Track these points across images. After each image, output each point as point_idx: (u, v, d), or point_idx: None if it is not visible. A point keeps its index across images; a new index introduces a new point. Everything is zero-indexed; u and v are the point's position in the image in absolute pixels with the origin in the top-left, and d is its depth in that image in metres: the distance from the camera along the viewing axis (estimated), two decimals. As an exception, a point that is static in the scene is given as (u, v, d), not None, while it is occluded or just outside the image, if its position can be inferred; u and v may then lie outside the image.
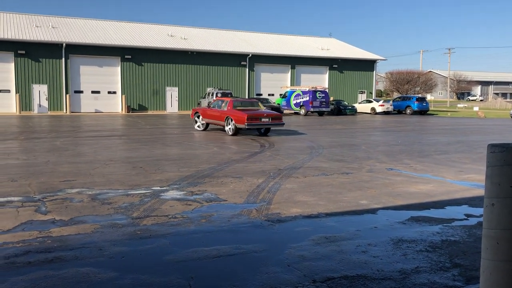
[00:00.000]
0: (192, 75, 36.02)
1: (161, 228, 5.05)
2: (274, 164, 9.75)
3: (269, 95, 38.96)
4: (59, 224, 5.13)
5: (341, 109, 34.77)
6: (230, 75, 37.53)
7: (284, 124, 16.91)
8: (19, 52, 30.22)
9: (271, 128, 17.33)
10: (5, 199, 6.27)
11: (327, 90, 34.03)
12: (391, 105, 36.75)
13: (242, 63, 37.64)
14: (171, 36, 38.15)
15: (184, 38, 38.02)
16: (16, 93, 30.18)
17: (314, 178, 8.25)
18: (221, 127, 17.14)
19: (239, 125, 15.86)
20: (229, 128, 16.29)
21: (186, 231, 4.97)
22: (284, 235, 4.94)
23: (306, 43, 45.00)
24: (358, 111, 36.56)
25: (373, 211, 6.00)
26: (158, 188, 7.14)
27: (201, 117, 18.20)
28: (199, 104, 33.49)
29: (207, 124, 18.13)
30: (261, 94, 38.74)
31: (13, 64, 30.35)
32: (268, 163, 9.89)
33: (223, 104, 16.96)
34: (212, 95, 30.67)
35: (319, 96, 32.51)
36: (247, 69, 37.95)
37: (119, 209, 5.84)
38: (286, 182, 7.81)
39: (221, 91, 30.70)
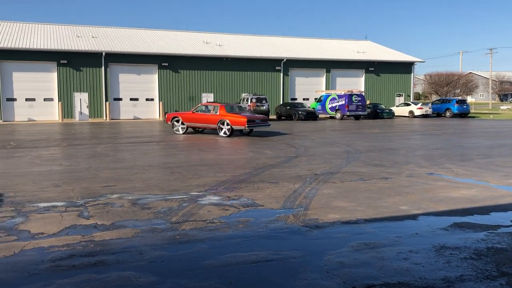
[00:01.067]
0: (227, 81, 36.35)
1: (200, 233, 5.10)
2: (310, 169, 9.69)
3: (304, 99, 38.81)
4: (101, 229, 5.26)
5: (378, 113, 34.21)
6: (265, 80, 37.64)
7: (270, 124, 19.21)
8: (61, 61, 31.36)
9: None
10: (50, 204, 6.50)
11: (363, 94, 33.57)
12: (430, 108, 35.80)
13: (277, 68, 37.67)
14: (207, 43, 38.65)
15: (219, 45, 38.45)
16: (58, 101, 31.32)
17: (351, 183, 8.14)
18: (208, 129, 19.42)
19: (237, 127, 17.67)
20: (225, 130, 17.94)
21: (223, 236, 5.00)
22: (323, 241, 4.88)
23: (341, 46, 44.60)
24: (395, 114, 35.86)
25: (413, 217, 5.85)
26: (196, 193, 7.23)
27: (181, 121, 19.39)
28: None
29: (187, 128, 19.48)
30: (295, 99, 38.65)
31: (56, 73, 31.52)
32: (304, 168, 9.83)
33: (213, 109, 18.53)
34: (247, 100, 30.83)
35: (355, 100, 32.11)
36: (281, 74, 37.96)
37: (158, 214, 5.94)
38: (323, 187, 7.73)
39: (255, 96, 30.81)
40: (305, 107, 33.38)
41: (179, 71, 34.75)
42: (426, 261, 4.21)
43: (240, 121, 17.54)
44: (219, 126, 18.11)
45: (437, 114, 36.85)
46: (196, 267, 4.09)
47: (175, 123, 19.47)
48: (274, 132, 20.38)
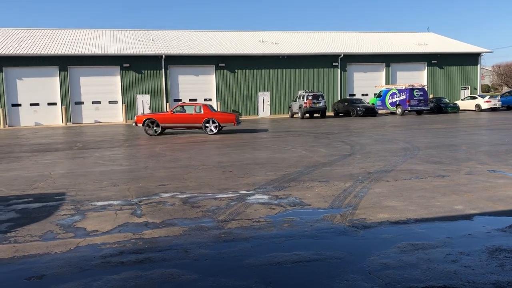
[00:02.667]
0: (283, 79, 36.33)
1: (244, 231, 5.16)
2: (363, 167, 9.48)
3: (362, 95, 37.98)
4: (151, 227, 5.46)
5: (441, 107, 32.75)
6: (322, 76, 37.22)
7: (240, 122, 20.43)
8: (124, 65, 32.82)
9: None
10: (106, 202, 6.84)
11: (425, 88, 32.27)
12: (499, 101, 33.70)
13: (334, 63, 37.13)
14: (262, 42, 38.85)
15: (275, 43, 38.51)
16: (122, 104, 32.81)
17: (406, 181, 7.87)
18: (189, 129, 20.54)
19: (225, 124, 19.60)
20: (212, 128, 19.44)
21: (268, 235, 5.02)
22: (368, 241, 4.77)
23: (401, 39, 43.14)
24: (460, 108, 34.18)
25: (468, 217, 5.56)
26: (245, 192, 7.31)
27: (156, 123, 19.54)
28: (290, 107, 33.65)
29: (163, 129, 19.80)
30: (354, 95, 37.91)
31: (119, 76, 33.04)
32: (357, 166, 9.63)
33: (195, 109, 19.61)
34: (303, 97, 30.65)
35: (417, 94, 30.96)
36: (339, 70, 37.36)
37: (206, 212, 6.07)
38: (375, 186, 7.54)
39: (312, 93, 30.55)
40: (363, 102, 32.64)
41: (236, 70, 35.21)
42: (477, 264, 3.99)
43: (229, 119, 19.60)
44: (205, 124, 19.47)
45: (507, 107, 34.68)
46: (238, 265, 4.15)
47: (150, 124, 19.58)
48: (330, 130, 20.13)
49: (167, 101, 33.63)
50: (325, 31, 45.08)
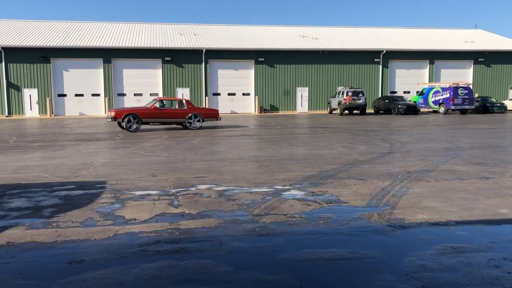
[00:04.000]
0: (323, 74, 35.96)
1: (279, 226, 5.14)
2: (403, 166, 9.25)
3: (404, 92, 37.13)
4: (188, 218, 5.53)
5: (487, 107, 31.56)
6: (362, 73, 36.60)
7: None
8: (165, 59, 33.39)
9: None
10: (145, 192, 6.98)
11: (470, 86, 31.17)
12: (550, 101, 32.17)
13: (375, 60, 36.42)
14: (303, 36, 38.57)
15: (315, 38, 38.15)
16: (163, 96, 33.40)
17: (447, 182, 7.63)
18: (170, 125, 19.95)
19: (209, 119, 19.90)
20: (196, 123, 19.38)
21: (302, 231, 4.98)
22: (406, 242, 4.65)
23: (447, 36, 41.79)
24: (508, 108, 32.84)
25: (514, 221, 5.32)
26: (280, 187, 7.28)
27: (138, 118, 18.22)
28: (328, 103, 33.29)
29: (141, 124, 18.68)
30: (395, 92, 37.08)
31: (160, 70, 33.66)
32: (397, 165, 9.42)
33: (178, 104, 19.34)
34: (343, 94, 30.24)
35: (461, 93, 29.94)
36: (380, 66, 36.62)
37: (242, 205, 6.09)
38: (415, 185, 7.34)
39: (352, 90, 30.11)
40: (405, 100, 31.90)
41: (275, 65, 35.15)
42: (521, 271, 3.81)
43: (212, 114, 20.02)
44: (188, 120, 19.30)
45: (560, 108, 33.04)
46: (271, 260, 4.13)
47: (131, 119, 18.08)
48: (369, 127, 19.78)
49: (206, 95, 33.99)
50: (368, 26, 44.30)
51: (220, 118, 20.48)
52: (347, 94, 29.84)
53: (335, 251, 4.34)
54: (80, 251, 4.37)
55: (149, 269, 3.93)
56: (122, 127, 19.11)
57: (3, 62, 31.57)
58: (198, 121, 19.47)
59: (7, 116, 31.67)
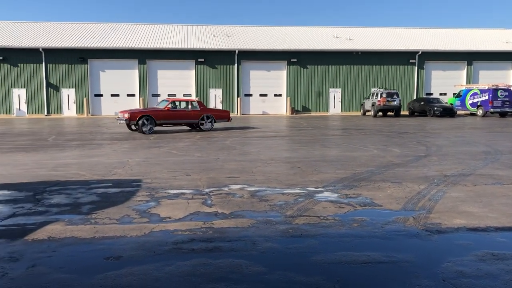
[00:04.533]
0: (356, 75, 35.54)
1: (312, 228, 5.12)
2: (439, 170, 9.04)
3: (440, 94, 36.24)
4: (221, 217, 5.59)
5: (528, 110, 30.38)
6: (397, 74, 35.96)
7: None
8: (199, 60, 33.77)
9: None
10: (179, 191, 7.08)
11: (511, 88, 30.12)
12: None
13: (411, 61, 35.70)
14: (336, 37, 38.24)
15: (349, 39, 37.76)
16: (196, 97, 33.80)
17: (486, 187, 7.41)
18: (180, 126, 19.13)
19: (221, 120, 19.46)
20: (208, 125, 18.89)
21: (336, 233, 4.94)
22: (443, 247, 4.54)
23: (485, 36, 40.54)
24: (550, 111, 31.48)
25: (558, 229, 5.12)
26: (313, 188, 7.25)
27: (152, 119, 17.54)
28: (362, 105, 32.87)
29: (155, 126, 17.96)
30: (431, 94, 36.26)
31: (194, 71, 34.06)
32: (432, 168, 9.21)
33: (191, 105, 18.85)
34: (377, 95, 29.79)
35: (501, 95, 28.98)
36: (416, 67, 35.88)
37: (274, 206, 6.10)
38: (452, 190, 7.17)
39: (386, 91, 29.62)
40: (441, 102, 31.12)
41: (308, 66, 34.99)
42: None
43: (224, 115, 19.55)
44: (201, 121, 18.78)
45: None
46: (305, 262, 4.12)
47: (145, 121, 17.40)
48: (404, 129, 19.42)
49: (238, 96, 34.17)
50: (403, 27, 43.47)
51: (231, 119, 20.17)
52: (381, 96, 29.38)
53: (369, 254, 4.29)
54: (117, 247, 4.48)
55: (184, 266, 3.99)
56: (131, 129, 18.66)
57: (43, 63, 32.68)
58: (210, 122, 18.98)
59: (46, 115, 32.76)
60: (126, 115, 17.58)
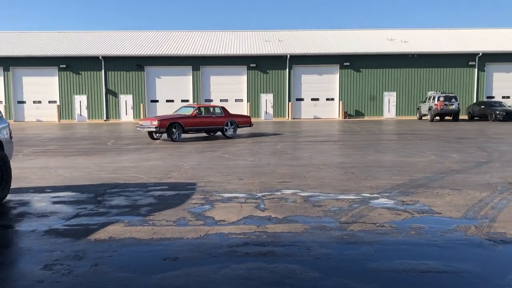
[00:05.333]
0: (412, 79, 34.54)
1: (368, 235, 5.02)
2: (503, 177, 8.59)
3: (502, 97, 34.49)
4: (274, 221, 5.59)
5: None
6: (455, 77, 34.59)
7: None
8: (251, 65, 34.10)
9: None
10: (233, 195, 7.17)
11: None
12: None
13: (470, 63, 34.24)
14: (391, 40, 37.37)
15: (404, 41, 36.78)
16: (247, 102, 34.14)
17: (555, 195, 6.95)
18: (206, 133, 19.01)
19: (243, 126, 19.12)
20: (230, 131, 18.43)
21: (393, 241, 4.81)
22: (508, 258, 4.31)
23: (553, 35, 38.20)
24: None
25: None
26: (368, 194, 7.10)
27: (181, 126, 16.85)
28: (418, 109, 31.88)
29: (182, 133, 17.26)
30: (492, 97, 34.58)
31: (245, 76, 34.43)
32: (495, 176, 8.76)
33: (215, 111, 18.37)
34: (434, 99, 28.79)
35: None
36: (476, 70, 34.37)
37: (328, 212, 6.03)
38: (517, 197, 6.78)
39: (443, 95, 28.57)
40: (504, 106, 29.60)
41: (361, 70, 34.42)
42: None
43: (246, 121, 19.23)
44: (226, 127, 18.31)
45: None
46: (361, 269, 4.04)
47: (173, 130, 16.73)
48: (463, 134, 18.63)
49: (289, 100, 34.15)
50: (461, 28, 41.79)
51: (252, 124, 19.76)
52: (438, 99, 28.37)
53: (428, 263, 4.14)
54: (174, 248, 4.59)
55: (239, 269, 4.02)
56: (153, 137, 17.49)
57: (103, 70, 34.22)
58: (233, 128, 18.47)
59: (105, 120, 34.25)
60: (155, 123, 16.55)
